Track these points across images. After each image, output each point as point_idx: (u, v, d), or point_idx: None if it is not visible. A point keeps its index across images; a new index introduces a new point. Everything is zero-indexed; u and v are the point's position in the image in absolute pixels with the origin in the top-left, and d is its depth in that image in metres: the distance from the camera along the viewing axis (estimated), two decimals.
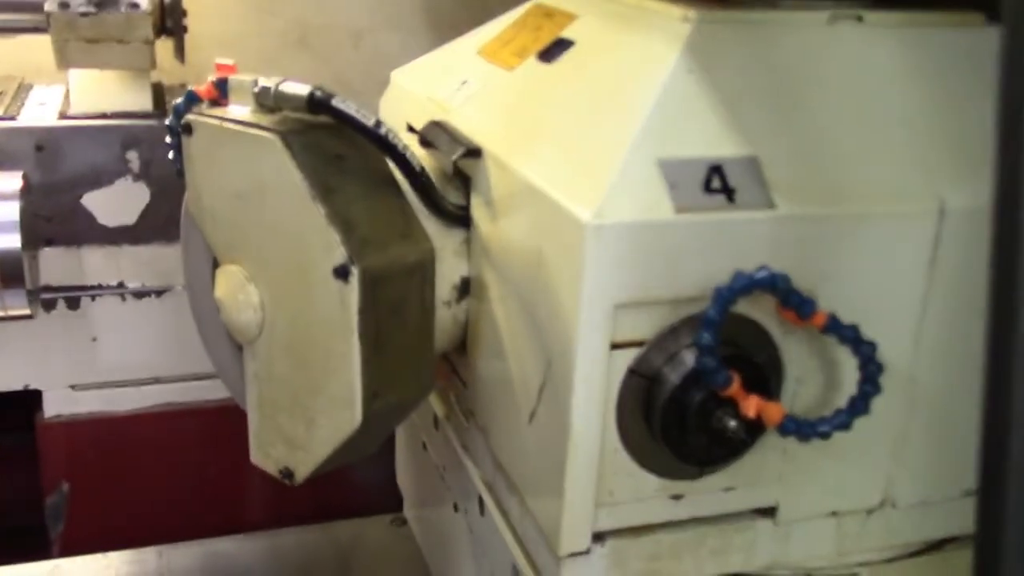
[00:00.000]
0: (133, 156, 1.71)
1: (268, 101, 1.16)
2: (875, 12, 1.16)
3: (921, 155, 1.09)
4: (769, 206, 1.00)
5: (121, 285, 1.79)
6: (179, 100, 1.29)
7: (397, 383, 1.15)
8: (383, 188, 1.16)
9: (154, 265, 1.79)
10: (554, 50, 1.28)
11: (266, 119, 1.15)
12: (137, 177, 1.72)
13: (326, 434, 1.15)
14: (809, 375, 1.08)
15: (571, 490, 1.03)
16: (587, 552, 1.07)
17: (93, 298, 1.78)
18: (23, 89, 1.86)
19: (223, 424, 1.91)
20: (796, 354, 1.06)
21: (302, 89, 1.13)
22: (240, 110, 1.19)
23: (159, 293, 1.81)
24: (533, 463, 1.13)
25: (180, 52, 1.64)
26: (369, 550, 1.75)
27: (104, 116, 1.71)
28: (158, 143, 1.71)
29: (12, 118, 1.67)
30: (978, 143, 1.09)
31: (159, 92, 1.85)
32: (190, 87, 1.28)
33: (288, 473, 1.23)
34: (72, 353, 1.80)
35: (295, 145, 1.10)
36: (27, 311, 1.31)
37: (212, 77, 1.26)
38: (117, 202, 1.73)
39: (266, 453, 1.26)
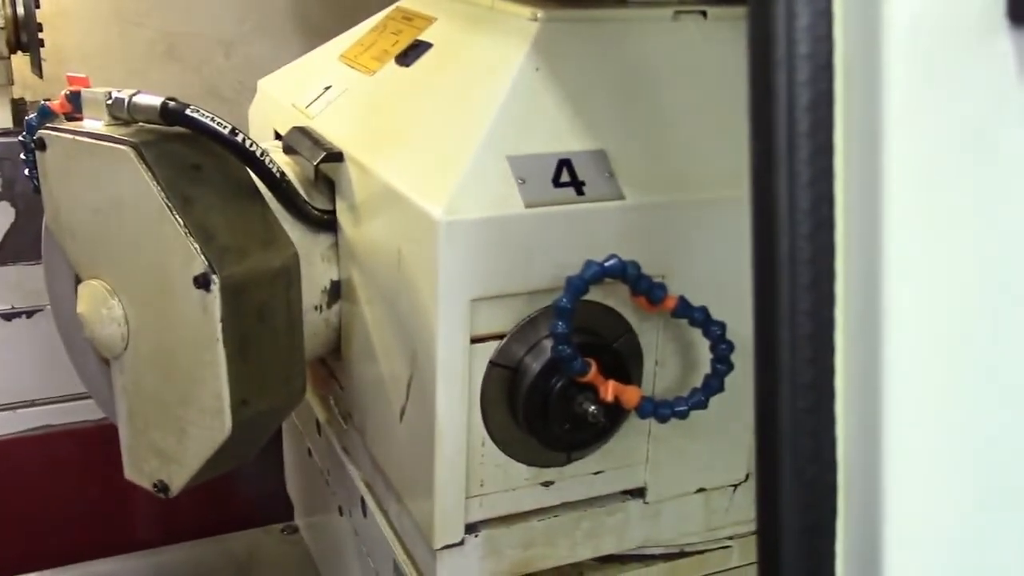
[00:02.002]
0: None
1: (122, 113, 1.15)
2: (718, 7, 1.21)
3: None
4: (618, 197, 1.03)
5: None
6: (32, 115, 1.27)
7: (267, 390, 1.16)
8: (243, 196, 1.16)
9: (23, 285, 1.74)
10: (412, 53, 1.30)
11: (121, 131, 1.14)
12: (0, 196, 1.68)
13: (198, 445, 1.15)
14: (667, 358, 1.12)
15: (441, 483, 1.05)
16: (461, 543, 1.09)
17: None
18: None
19: (103, 444, 1.88)
20: (653, 338, 1.10)
21: (155, 100, 1.13)
22: (95, 124, 1.18)
23: (29, 314, 1.77)
24: (406, 460, 1.14)
25: (37, 66, 1.61)
26: (261, 560, 1.74)
27: None
28: (21, 160, 1.67)
29: None
30: None
31: (21, 108, 1.81)
32: (43, 102, 1.26)
33: (163, 487, 1.22)
34: None
35: (149, 155, 1.09)
36: None
37: (64, 91, 1.24)
38: None
39: (139, 468, 1.25)
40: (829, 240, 0.43)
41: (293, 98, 1.45)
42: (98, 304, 1.18)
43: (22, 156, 1.31)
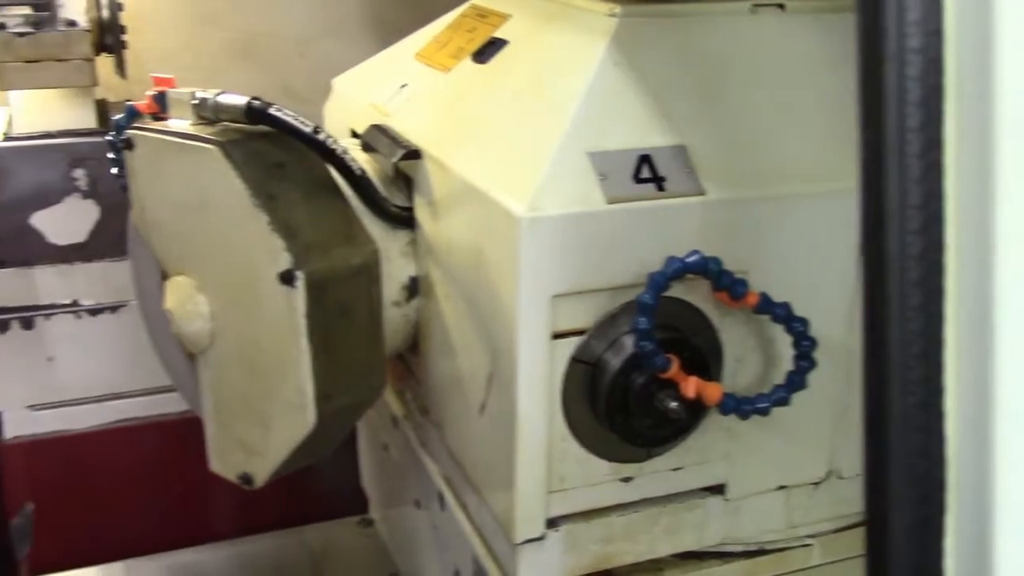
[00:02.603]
0: (80, 174, 1.71)
1: (207, 113, 1.18)
2: (795, 0, 1.20)
3: (843, 135, 1.12)
4: (699, 192, 1.03)
5: (75, 303, 1.79)
6: (119, 116, 1.30)
7: (348, 384, 1.17)
8: (325, 193, 1.18)
9: (108, 281, 1.79)
10: (488, 50, 1.31)
11: (206, 130, 1.16)
12: (86, 195, 1.73)
13: (281, 438, 1.17)
14: (748, 354, 1.11)
15: (522, 478, 1.06)
16: (542, 538, 1.10)
17: (47, 317, 1.78)
18: None
19: (185, 436, 1.92)
20: (734, 334, 1.09)
21: (240, 100, 1.15)
22: (180, 123, 1.20)
23: (114, 309, 1.81)
24: (485, 454, 1.15)
25: (121, 68, 1.65)
26: (338, 552, 1.77)
27: (49, 135, 1.71)
28: (105, 160, 1.71)
29: None
30: None
31: (104, 109, 1.85)
32: (129, 102, 1.29)
33: (247, 479, 1.24)
34: (29, 373, 1.80)
35: (236, 154, 1.11)
36: None
37: (150, 91, 1.27)
38: (67, 220, 1.73)
39: (224, 460, 1.27)
40: (939, 235, 0.43)
41: (369, 96, 1.47)
42: (184, 300, 1.21)
43: (109, 156, 1.34)
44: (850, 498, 1.24)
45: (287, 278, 1.08)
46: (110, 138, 1.33)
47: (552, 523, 1.10)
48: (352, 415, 1.24)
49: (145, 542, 1.83)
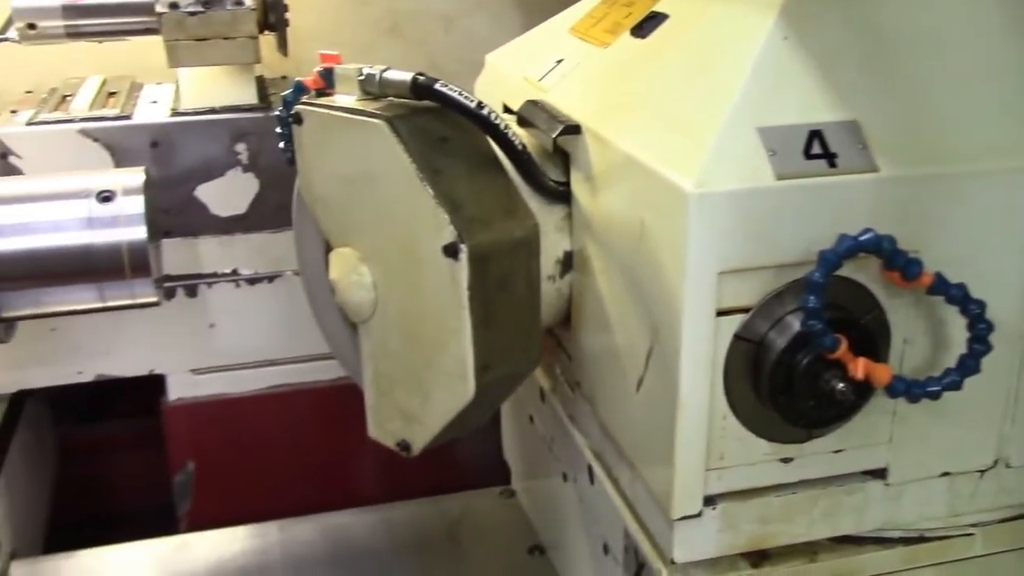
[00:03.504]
0: (242, 148, 1.78)
1: (373, 88, 1.20)
2: None
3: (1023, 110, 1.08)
4: (872, 169, 1.00)
5: (235, 272, 1.87)
6: (287, 91, 1.35)
7: (507, 355, 1.19)
8: (486, 167, 1.19)
9: (266, 251, 1.86)
10: (647, 25, 1.30)
11: (372, 105, 1.19)
12: (246, 168, 1.80)
13: (441, 407, 1.20)
14: (916, 336, 1.08)
15: (681, 455, 1.06)
16: (699, 515, 1.10)
17: (210, 285, 1.86)
18: (135, 88, 1.95)
19: (336, 403, 1.99)
20: (902, 315, 1.07)
21: (405, 75, 1.17)
22: (346, 98, 1.24)
23: (271, 279, 1.88)
24: (642, 430, 1.15)
25: (283, 45, 1.70)
26: (480, 521, 1.80)
27: (213, 111, 1.79)
28: (265, 134, 1.78)
29: (128, 117, 1.76)
30: None
31: (262, 85, 1.92)
32: (297, 78, 1.33)
33: (405, 446, 1.28)
34: (192, 339, 1.89)
35: (402, 129, 1.14)
36: (154, 299, 1.38)
37: (318, 68, 1.31)
38: (228, 193, 1.81)
39: (383, 427, 1.31)
40: None
41: (524, 71, 1.48)
42: (349, 271, 1.25)
43: (277, 130, 1.39)
44: (1018, 488, 1.20)
45: (451, 251, 1.10)
46: (278, 113, 1.37)
47: (709, 501, 1.10)
48: (508, 386, 1.26)
49: (294, 503, 1.90)
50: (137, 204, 1.36)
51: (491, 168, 1.20)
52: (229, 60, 1.69)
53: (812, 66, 1.05)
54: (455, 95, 1.16)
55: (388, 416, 1.30)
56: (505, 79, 1.54)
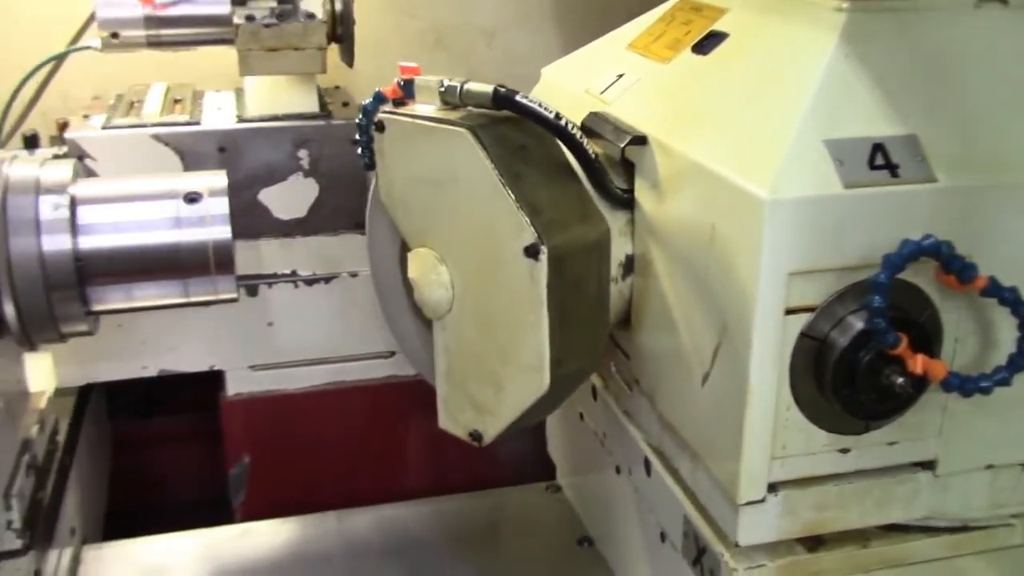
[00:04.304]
0: (303, 154, 1.86)
1: (454, 99, 1.29)
2: None
3: None
4: (931, 179, 1.08)
5: (294, 273, 1.94)
6: (367, 100, 1.43)
7: (578, 351, 1.27)
8: (562, 174, 1.27)
9: (323, 254, 1.94)
10: (708, 42, 1.38)
11: (454, 115, 1.27)
12: (307, 173, 1.87)
13: (514, 398, 1.27)
14: (967, 336, 1.16)
15: (749, 444, 1.13)
16: (763, 501, 1.17)
17: (270, 285, 1.94)
18: (198, 96, 2.03)
19: (386, 400, 2.07)
20: (955, 317, 1.14)
21: (486, 87, 1.25)
22: (426, 108, 1.32)
23: (327, 280, 1.96)
24: (707, 422, 1.23)
25: (350, 57, 1.78)
26: (528, 515, 1.87)
27: (276, 118, 1.86)
28: (325, 141, 1.86)
29: (197, 123, 1.84)
30: None
31: (320, 95, 2.00)
32: (377, 88, 1.41)
33: (477, 436, 1.36)
34: (251, 336, 1.96)
35: (485, 137, 1.22)
36: (234, 295, 1.46)
37: (397, 79, 1.39)
38: (290, 197, 1.88)
39: (455, 419, 1.39)
40: None
41: (585, 84, 1.55)
42: (427, 270, 1.32)
43: (356, 136, 1.47)
44: None
45: (531, 252, 1.18)
46: (358, 121, 1.45)
47: (772, 488, 1.17)
48: (576, 381, 1.34)
49: (344, 495, 1.97)
50: (222, 205, 1.43)
51: (566, 175, 1.28)
52: (298, 69, 1.77)
53: (873, 83, 1.13)
54: (535, 106, 1.24)
55: (460, 408, 1.37)
56: (563, 91, 1.61)
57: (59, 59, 1.79)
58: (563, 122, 1.25)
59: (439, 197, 1.29)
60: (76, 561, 1.72)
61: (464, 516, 1.87)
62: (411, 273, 1.35)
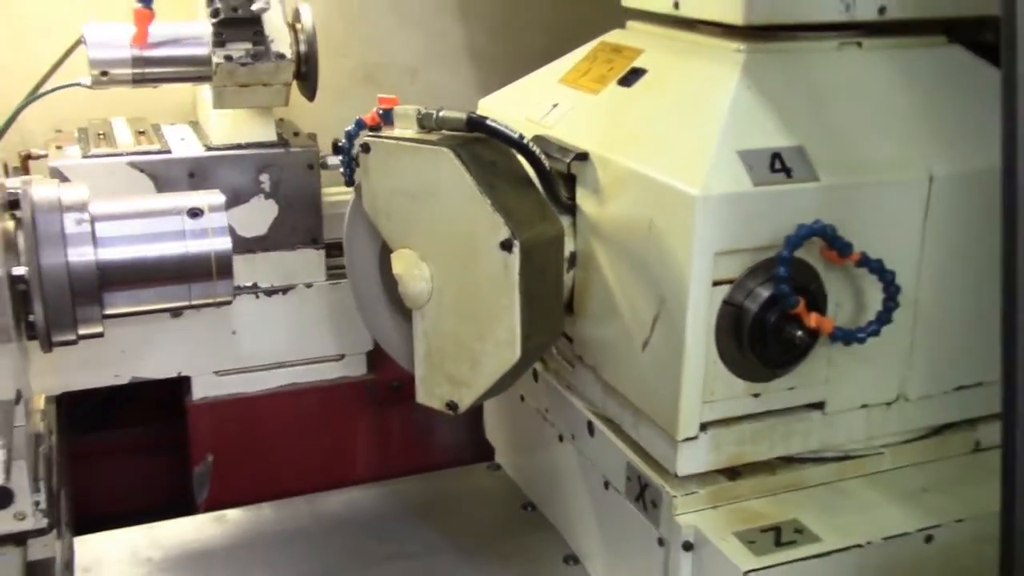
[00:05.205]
0: (264, 178, 2.07)
1: (431, 123, 1.56)
2: (869, 39, 1.59)
3: (914, 140, 1.51)
4: (815, 179, 1.42)
5: (255, 285, 2.15)
6: (350, 127, 1.69)
7: (542, 328, 1.55)
8: (524, 184, 1.56)
9: (282, 267, 2.15)
10: (631, 77, 1.69)
11: (431, 137, 1.55)
12: (268, 195, 2.09)
13: (490, 369, 1.54)
14: (845, 300, 1.49)
15: (685, 392, 1.44)
16: (696, 438, 1.47)
17: (234, 297, 2.13)
18: (156, 128, 2.22)
19: (338, 399, 2.29)
20: (835, 286, 1.48)
21: (460, 114, 1.53)
22: (402, 132, 1.58)
23: (285, 291, 2.17)
24: (648, 379, 1.52)
25: (312, 92, 2.01)
26: (473, 489, 2.12)
27: (240, 147, 2.08)
28: (284, 167, 2.09)
29: (168, 151, 2.04)
30: (954, 129, 1.53)
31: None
32: (358, 116, 1.68)
33: (453, 405, 1.62)
34: (216, 344, 2.15)
35: (464, 155, 1.49)
36: (230, 298, 1.67)
37: (376, 108, 1.65)
38: (252, 217, 2.09)
39: (431, 393, 1.64)
40: None
41: (524, 113, 1.85)
42: (410, 266, 1.58)
43: (339, 158, 1.72)
44: (913, 417, 1.62)
45: (506, 245, 1.46)
46: (341, 144, 1.71)
47: (703, 427, 1.48)
48: (539, 353, 1.62)
49: (301, 486, 2.18)
50: (221, 218, 1.65)
51: (527, 184, 1.57)
52: (265, 103, 1.99)
53: (769, 107, 1.47)
54: (503, 129, 1.52)
55: (437, 383, 1.63)
56: (505, 118, 1.90)
57: (44, 95, 1.96)
58: (526, 141, 1.54)
59: (420, 205, 1.56)
60: (70, 550, 1.88)
61: (418, 494, 2.11)
62: (395, 270, 1.61)
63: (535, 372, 1.93)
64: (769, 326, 1.42)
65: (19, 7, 2.26)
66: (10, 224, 1.54)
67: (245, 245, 2.10)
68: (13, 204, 1.54)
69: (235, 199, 2.06)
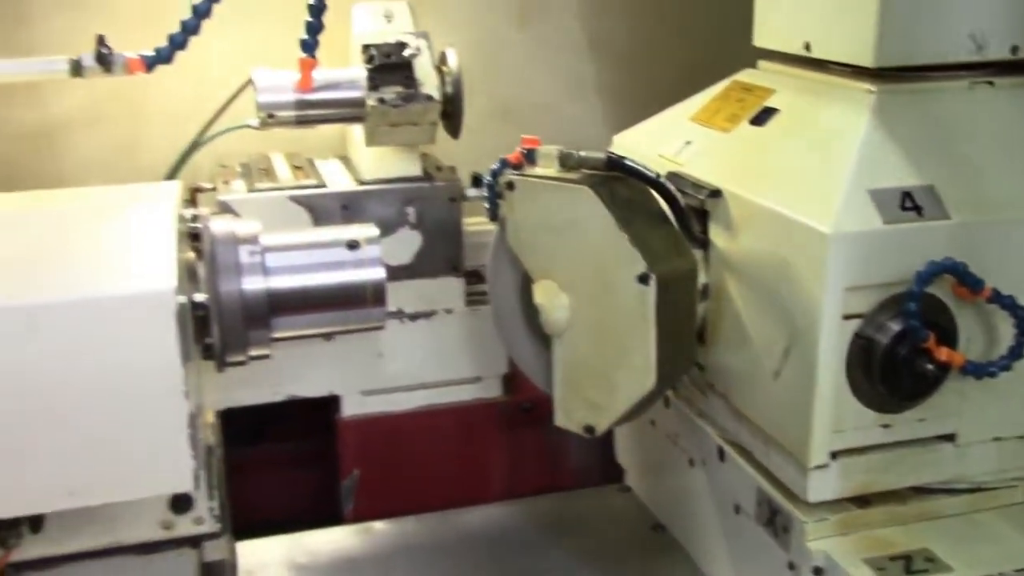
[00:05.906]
0: (410, 210, 2.21)
1: (571, 163, 1.66)
2: (1001, 78, 1.63)
3: None
4: (946, 217, 1.46)
5: (400, 311, 2.29)
6: (495, 165, 1.81)
7: (675, 357, 1.63)
8: (659, 220, 1.65)
9: (425, 294, 2.28)
10: (763, 116, 1.76)
11: (572, 175, 1.65)
12: (413, 227, 2.23)
13: (625, 395, 1.63)
14: (976, 335, 1.53)
15: (817, 422, 1.49)
16: (826, 466, 1.53)
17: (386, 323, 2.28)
18: (310, 163, 2.39)
19: (476, 419, 2.41)
20: (966, 321, 1.51)
21: (600, 154, 1.63)
22: (543, 170, 1.69)
23: (428, 316, 2.31)
24: (780, 408, 1.58)
25: (456, 130, 2.15)
26: (604, 509, 2.20)
27: (388, 181, 2.22)
28: (429, 200, 2.23)
29: (324, 186, 2.20)
30: None
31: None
32: (502, 156, 1.79)
33: (590, 429, 1.71)
34: (363, 365, 2.30)
35: (602, 192, 1.59)
36: (383, 323, 1.81)
37: (519, 148, 1.76)
38: (398, 247, 2.23)
39: (570, 416, 1.73)
40: None
41: (656, 149, 1.93)
42: (551, 297, 1.68)
43: (484, 193, 1.85)
44: None
45: (643, 279, 1.55)
46: (487, 181, 1.83)
47: (833, 455, 1.53)
48: (672, 380, 1.70)
49: (439, 500, 2.30)
50: (376, 250, 1.78)
51: (663, 220, 1.65)
52: (414, 141, 2.13)
53: (898, 147, 1.52)
54: (641, 168, 1.62)
55: (575, 407, 1.73)
56: (637, 155, 1.98)
57: (217, 135, 2.15)
58: (663, 180, 1.62)
59: (561, 239, 1.66)
60: (233, 554, 2.04)
61: (552, 512, 2.21)
62: (537, 299, 1.71)
63: (667, 399, 2.00)
64: (900, 359, 1.46)
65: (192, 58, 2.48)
66: (191, 255, 1.70)
67: (392, 273, 2.21)
68: (194, 237, 1.71)
69: (384, 230, 2.18)
